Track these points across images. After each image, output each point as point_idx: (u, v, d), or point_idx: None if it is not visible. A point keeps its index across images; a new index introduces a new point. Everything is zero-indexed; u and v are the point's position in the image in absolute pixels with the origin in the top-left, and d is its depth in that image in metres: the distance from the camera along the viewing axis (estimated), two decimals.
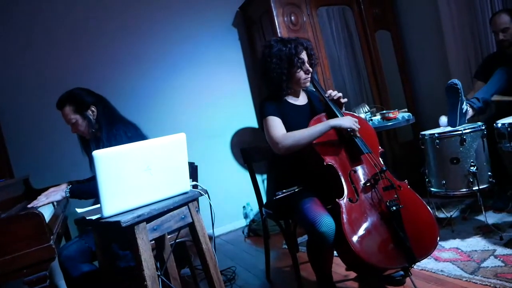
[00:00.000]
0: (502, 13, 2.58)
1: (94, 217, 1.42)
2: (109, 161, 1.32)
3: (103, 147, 1.73)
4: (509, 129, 2.05)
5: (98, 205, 1.39)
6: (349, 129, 1.77)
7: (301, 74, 1.88)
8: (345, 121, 1.76)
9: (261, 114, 1.91)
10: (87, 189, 1.94)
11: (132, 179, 1.38)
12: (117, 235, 1.71)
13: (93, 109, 2.01)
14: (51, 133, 2.90)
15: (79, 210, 1.61)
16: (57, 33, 3.01)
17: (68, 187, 1.93)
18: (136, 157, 1.39)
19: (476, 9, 3.10)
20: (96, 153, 1.29)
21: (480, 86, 2.77)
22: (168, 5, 3.42)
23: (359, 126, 1.78)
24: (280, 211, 1.96)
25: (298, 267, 2.00)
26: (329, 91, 1.93)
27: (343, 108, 1.98)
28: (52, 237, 1.43)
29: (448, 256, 2.08)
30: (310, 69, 1.91)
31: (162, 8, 3.39)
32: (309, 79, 1.93)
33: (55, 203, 1.96)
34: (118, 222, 1.29)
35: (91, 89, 2.09)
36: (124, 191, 1.37)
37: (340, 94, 1.93)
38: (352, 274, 2.06)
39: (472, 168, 2.21)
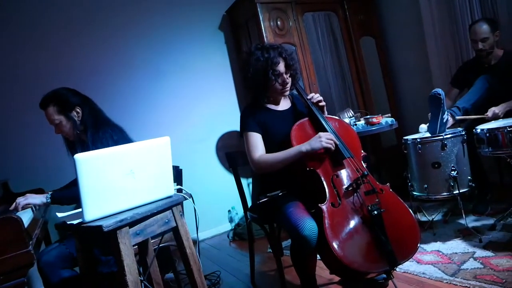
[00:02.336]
0: (482, 22, 2.60)
1: (75, 222, 1.39)
2: (91, 165, 1.30)
3: (88, 150, 1.71)
4: (487, 134, 2.11)
5: (80, 210, 1.36)
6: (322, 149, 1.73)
7: (277, 85, 1.87)
8: (315, 143, 1.72)
9: (241, 128, 1.92)
10: (69, 195, 1.90)
11: (115, 183, 1.37)
12: (99, 240, 1.68)
13: (78, 110, 1.97)
14: (32, 136, 2.84)
15: (59, 215, 1.58)
16: (40, 35, 2.96)
17: (49, 193, 1.89)
18: (119, 161, 1.37)
19: (457, 17, 3.19)
20: (78, 157, 1.27)
21: (454, 93, 2.84)
22: (154, 8, 3.40)
23: (331, 144, 1.73)
24: (264, 215, 1.96)
25: (282, 271, 2.00)
26: (311, 94, 1.95)
27: (325, 112, 1.99)
28: (31, 242, 1.40)
29: (429, 258, 2.11)
30: (287, 81, 1.88)
31: (147, 11, 3.37)
32: (287, 89, 1.91)
33: (34, 207, 1.92)
34: (100, 227, 1.27)
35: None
36: (107, 195, 1.35)
37: (321, 98, 1.94)
38: (336, 278, 2.07)
39: (452, 172, 2.25)
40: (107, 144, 1.79)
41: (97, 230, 1.27)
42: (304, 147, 1.73)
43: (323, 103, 1.94)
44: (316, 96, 1.93)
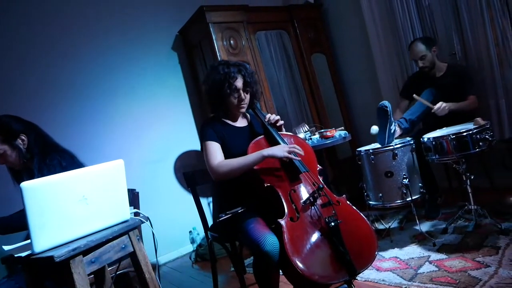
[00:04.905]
0: (417, 42, 2.78)
1: (23, 254, 1.31)
2: (39, 193, 1.24)
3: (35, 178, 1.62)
4: (433, 142, 2.24)
5: (28, 241, 1.29)
6: (283, 158, 1.79)
7: (233, 100, 1.92)
8: (278, 151, 1.76)
9: (201, 138, 1.93)
10: None
11: (66, 210, 1.31)
12: (51, 272, 1.59)
13: (23, 137, 1.87)
14: None
15: (6, 248, 1.48)
16: None
17: None
18: (69, 187, 1.32)
19: (399, 34, 3.40)
20: (24, 185, 1.21)
21: (404, 104, 3.00)
22: (106, 28, 3.34)
23: (290, 155, 1.78)
24: (225, 233, 1.95)
25: None
26: (268, 115, 1.98)
27: (283, 129, 2.03)
28: None
29: (388, 265, 2.18)
30: (243, 97, 1.93)
31: (100, 30, 3.30)
32: (244, 105, 1.95)
33: None
34: (51, 257, 1.21)
35: (21, 116, 1.97)
36: (57, 223, 1.30)
37: (278, 117, 1.98)
38: None
39: (404, 180, 2.36)
40: (54, 171, 1.71)
41: (48, 261, 1.21)
42: (266, 152, 1.76)
43: (280, 122, 1.99)
44: (273, 117, 1.97)
